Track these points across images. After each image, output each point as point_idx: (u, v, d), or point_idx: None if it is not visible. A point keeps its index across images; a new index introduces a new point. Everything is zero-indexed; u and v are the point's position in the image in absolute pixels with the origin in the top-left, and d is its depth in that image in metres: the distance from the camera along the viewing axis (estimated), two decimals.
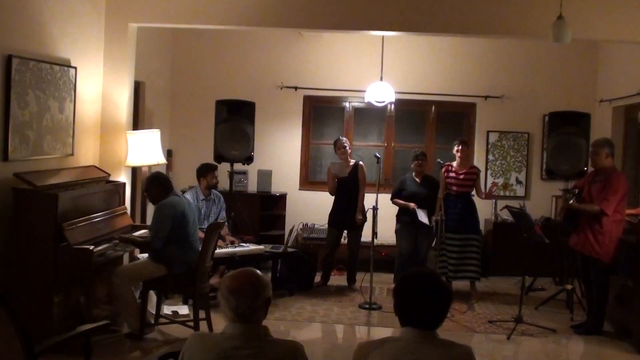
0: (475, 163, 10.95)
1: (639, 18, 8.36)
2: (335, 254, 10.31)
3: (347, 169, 10.06)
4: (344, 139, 10.29)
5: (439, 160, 9.88)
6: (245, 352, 3.40)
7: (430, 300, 3.38)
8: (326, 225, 10.32)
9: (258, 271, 3.63)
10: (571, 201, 8.21)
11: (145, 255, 7.79)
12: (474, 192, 9.96)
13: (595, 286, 8.25)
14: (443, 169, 9.87)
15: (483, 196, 10.04)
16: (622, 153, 10.59)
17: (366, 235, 9.89)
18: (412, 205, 9.70)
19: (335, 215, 10.14)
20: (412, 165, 10.05)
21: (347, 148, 10.10)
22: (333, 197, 10.19)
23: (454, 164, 9.93)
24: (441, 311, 3.41)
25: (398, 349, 3.32)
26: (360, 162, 10.19)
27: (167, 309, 8.29)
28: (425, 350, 3.30)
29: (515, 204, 10.26)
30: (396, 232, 10.07)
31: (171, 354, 4.11)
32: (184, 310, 8.44)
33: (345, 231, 10.27)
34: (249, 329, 3.47)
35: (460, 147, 9.87)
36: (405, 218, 9.90)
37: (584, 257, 8.34)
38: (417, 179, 9.96)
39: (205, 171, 9.41)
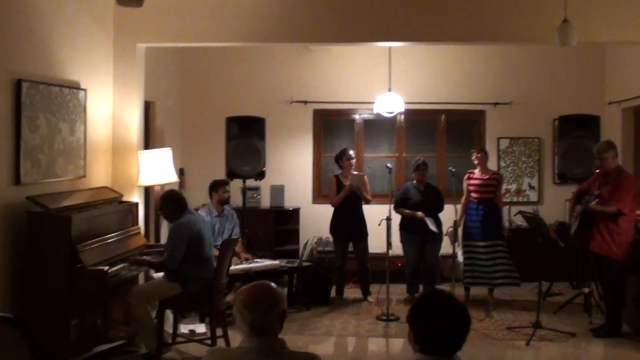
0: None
1: None
2: (347, 266, 10.27)
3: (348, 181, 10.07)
4: (351, 151, 10.31)
5: (450, 168, 9.88)
6: None
7: (447, 327, 3.21)
8: (332, 239, 10.33)
9: (272, 284, 3.62)
10: (592, 203, 8.19)
11: (161, 274, 7.78)
12: None
13: (611, 287, 8.23)
14: (465, 176, 9.96)
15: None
16: (633, 154, 10.56)
17: (380, 246, 9.86)
18: (419, 214, 9.69)
19: (339, 227, 10.11)
20: (414, 174, 10.05)
21: (354, 159, 10.14)
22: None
23: (476, 171, 9.95)
24: (459, 336, 3.23)
25: None
26: (364, 174, 10.24)
27: (184, 328, 8.28)
28: None
29: (528, 209, 10.26)
30: (402, 241, 10.06)
31: None
32: (201, 328, 8.43)
33: (351, 243, 10.23)
34: (265, 343, 3.45)
35: (476, 155, 9.90)
36: (409, 227, 9.89)
37: (598, 259, 8.32)
38: (420, 187, 9.96)
39: (216, 186, 9.43)
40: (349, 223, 10.03)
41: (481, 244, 9.76)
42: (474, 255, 9.80)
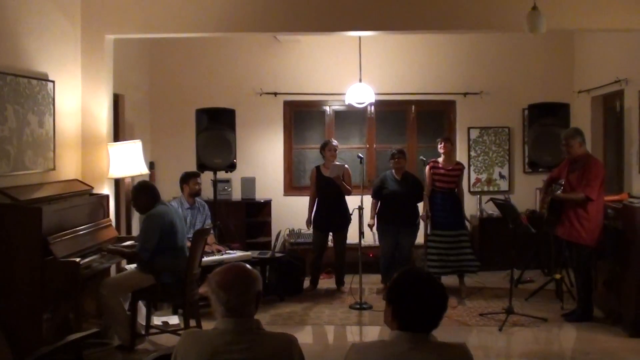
0: (458, 160, 10.88)
1: (613, 5, 8.40)
2: (323, 258, 10.28)
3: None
4: (335, 141, 10.30)
5: (421, 157, 9.92)
6: (238, 347, 3.37)
7: (425, 303, 3.26)
8: (312, 230, 10.30)
9: (247, 265, 3.61)
10: (558, 192, 8.27)
11: (133, 265, 7.74)
12: None
13: (579, 271, 8.32)
14: (429, 166, 9.92)
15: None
16: (602, 141, 10.65)
17: (351, 236, 9.88)
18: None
19: (320, 218, 10.09)
20: (390, 164, 10.05)
21: (337, 150, 10.15)
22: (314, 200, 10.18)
23: (440, 160, 9.95)
24: (436, 314, 3.28)
25: (390, 354, 3.22)
26: (346, 165, 10.21)
27: (157, 320, 8.25)
28: (418, 354, 3.20)
29: (499, 198, 10.30)
30: (377, 231, 10.06)
31: (163, 357, 4.08)
32: (174, 320, 8.40)
33: (331, 234, 10.24)
34: (241, 324, 3.45)
35: (443, 144, 9.89)
36: (386, 217, 9.91)
37: (570, 245, 8.39)
38: (397, 177, 9.94)
39: (187, 178, 9.37)
40: (331, 214, 10.04)
41: (446, 233, 9.79)
42: (439, 245, 9.80)
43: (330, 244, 10.34)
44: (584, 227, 8.09)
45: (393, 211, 9.81)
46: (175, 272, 7.25)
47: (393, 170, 9.97)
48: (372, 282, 10.23)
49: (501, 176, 11.94)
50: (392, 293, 3.34)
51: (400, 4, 8.57)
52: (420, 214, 9.78)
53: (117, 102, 9.70)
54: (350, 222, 10.07)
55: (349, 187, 10.07)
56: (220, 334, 3.43)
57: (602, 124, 10.80)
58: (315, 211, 10.11)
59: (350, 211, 9.44)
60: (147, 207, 7.39)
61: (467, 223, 10.26)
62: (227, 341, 3.39)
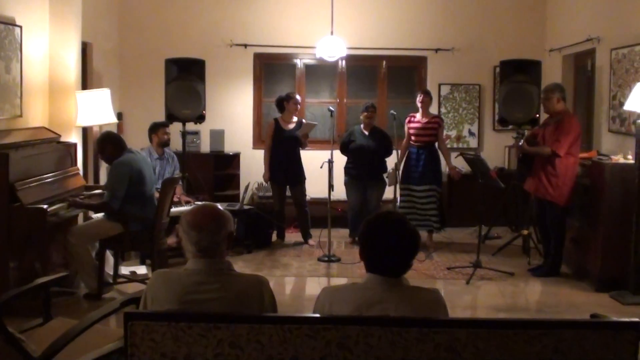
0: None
1: None
2: (288, 211, 10.28)
3: (291, 125, 10.01)
4: (298, 96, 10.23)
5: (392, 112, 9.88)
6: (209, 287, 3.37)
7: (396, 246, 3.27)
8: (270, 183, 10.28)
9: (219, 205, 3.59)
10: (521, 142, 8.30)
11: (100, 214, 7.67)
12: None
13: (551, 229, 8.37)
14: (407, 120, 9.96)
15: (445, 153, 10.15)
16: (572, 100, 10.67)
17: (322, 191, 9.86)
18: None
19: (277, 172, 10.02)
20: (361, 117, 10.03)
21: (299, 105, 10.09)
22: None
23: (417, 114, 9.93)
24: (407, 257, 3.30)
25: (363, 297, 3.24)
26: (304, 120, 10.18)
27: (124, 270, 8.22)
28: (392, 297, 3.22)
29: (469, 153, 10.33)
30: (345, 185, 10.08)
31: (133, 299, 4.06)
32: (141, 270, 8.37)
33: (289, 187, 10.23)
34: (212, 264, 3.43)
35: (422, 97, 9.86)
36: (352, 171, 9.93)
37: (539, 201, 8.45)
38: (366, 131, 9.95)
39: (155, 128, 9.30)
40: (285, 167, 9.98)
41: (418, 188, 9.81)
42: (411, 198, 9.86)
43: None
44: (552, 184, 8.14)
45: (361, 165, 9.85)
46: (143, 220, 7.22)
47: (362, 125, 9.96)
48: (341, 235, 10.28)
49: (470, 133, 11.95)
50: (364, 234, 3.36)
51: None
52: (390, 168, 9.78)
53: (86, 51, 9.56)
54: (305, 177, 10.11)
55: (307, 143, 10.09)
56: (191, 274, 3.41)
57: (573, 82, 10.82)
58: (272, 164, 10.05)
59: (321, 165, 9.41)
60: (113, 157, 7.30)
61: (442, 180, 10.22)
62: (198, 281, 3.38)
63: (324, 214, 9.55)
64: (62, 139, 8.16)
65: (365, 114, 9.91)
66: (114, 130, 9.60)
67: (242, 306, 3.36)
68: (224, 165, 11.54)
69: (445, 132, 11.30)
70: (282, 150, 9.98)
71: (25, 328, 4.63)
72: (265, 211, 10.15)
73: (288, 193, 10.23)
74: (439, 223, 9.93)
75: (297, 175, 10.06)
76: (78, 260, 7.20)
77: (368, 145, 9.85)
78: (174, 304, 3.32)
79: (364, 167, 9.85)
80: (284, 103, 10.04)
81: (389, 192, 10.00)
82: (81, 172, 8.35)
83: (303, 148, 10.07)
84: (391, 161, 9.77)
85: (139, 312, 3.42)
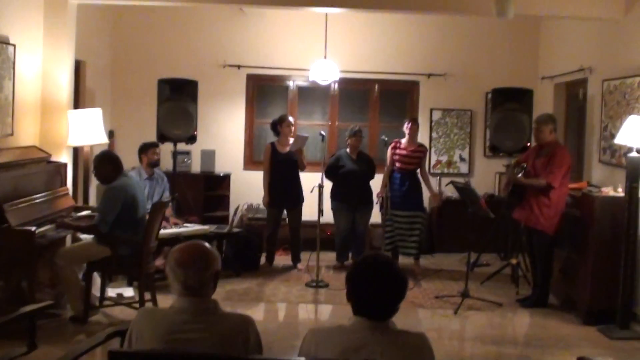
0: (421, 141, 10.87)
1: None
2: (279, 234, 10.23)
3: (287, 147, 9.96)
4: (291, 117, 10.22)
5: (383, 137, 9.91)
6: (194, 327, 3.34)
7: (383, 290, 3.25)
8: (263, 206, 10.26)
9: (206, 244, 3.57)
10: (519, 175, 8.31)
11: (89, 235, 7.64)
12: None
13: (539, 259, 8.39)
14: (391, 146, 9.95)
15: (428, 184, 10.17)
16: (563, 129, 10.69)
17: (311, 214, 9.84)
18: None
19: (274, 195, 9.97)
20: (348, 142, 10.07)
21: (294, 127, 10.07)
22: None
23: (403, 141, 9.96)
24: (394, 301, 3.28)
25: (350, 340, 3.21)
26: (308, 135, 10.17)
27: (111, 292, 8.16)
28: (378, 341, 3.19)
29: (460, 181, 10.35)
30: (333, 210, 10.06)
31: (119, 332, 4.04)
32: (129, 292, 8.33)
33: (285, 210, 10.19)
34: (199, 303, 3.42)
35: (410, 125, 9.90)
36: (340, 196, 9.94)
37: (528, 230, 8.45)
38: (353, 156, 9.98)
39: (145, 149, 9.26)
40: (285, 190, 9.95)
41: (403, 213, 9.82)
42: (395, 224, 9.87)
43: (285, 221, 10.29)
44: (544, 214, 8.14)
45: (349, 190, 9.88)
46: (132, 244, 7.18)
47: (348, 149, 10.01)
48: (329, 259, 10.25)
49: (461, 159, 11.96)
50: (351, 277, 3.34)
51: None
52: (377, 193, 9.78)
53: (79, 69, 9.56)
54: (302, 201, 10.06)
55: (305, 163, 10.02)
56: (177, 313, 3.39)
57: (564, 111, 10.84)
58: (270, 188, 10.02)
59: (310, 189, 9.41)
60: (110, 178, 7.27)
61: (425, 206, 10.25)
62: (184, 320, 3.35)
63: (311, 236, 9.54)
64: (53, 159, 8.14)
65: (354, 138, 9.95)
66: (106, 148, 9.58)
67: (227, 347, 3.33)
68: (215, 186, 11.51)
69: (436, 158, 11.33)
70: (280, 174, 9.96)
71: (9, 357, 4.60)
72: (255, 233, 10.12)
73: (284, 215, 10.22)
74: (418, 249, 9.95)
75: (295, 198, 10.03)
76: (65, 283, 7.15)
77: (357, 169, 9.90)
78: (159, 343, 3.29)
79: (354, 191, 9.87)
80: (277, 127, 10.02)
81: (376, 217, 10.03)
82: (71, 193, 8.33)
83: (302, 170, 10.03)
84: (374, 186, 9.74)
85: (123, 351, 3.39)
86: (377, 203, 9.79)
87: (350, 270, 3.36)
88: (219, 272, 3.51)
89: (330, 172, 9.81)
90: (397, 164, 9.91)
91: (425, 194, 10.30)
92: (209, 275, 3.43)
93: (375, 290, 3.25)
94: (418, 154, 9.92)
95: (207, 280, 3.43)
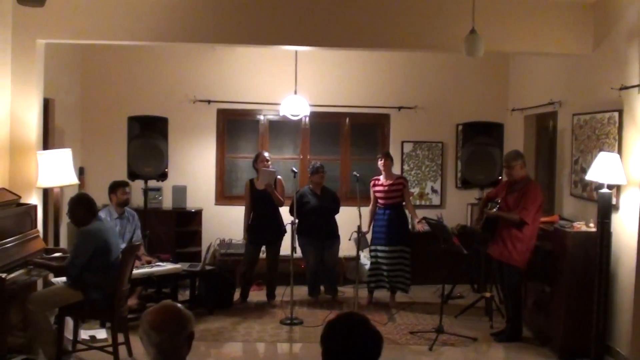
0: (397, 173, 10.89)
1: (547, 30, 8.59)
2: (254, 271, 10.18)
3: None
4: (266, 152, 10.22)
5: (354, 173, 9.91)
6: None
7: (358, 349, 3.19)
8: (243, 241, 10.21)
9: (179, 305, 3.53)
10: (495, 209, 8.37)
11: (60, 279, 7.56)
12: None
13: (508, 292, 8.42)
14: (371, 184, 10.11)
15: (414, 216, 10.20)
16: (534, 161, 10.75)
17: (284, 249, 9.83)
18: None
19: (253, 232, 9.98)
20: (312, 179, 10.15)
21: (269, 162, 10.04)
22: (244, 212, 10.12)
23: (381, 177, 10.02)
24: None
25: None
26: (279, 177, 10.13)
27: (84, 334, 8.06)
28: None
29: (431, 213, 10.45)
30: (300, 246, 10.01)
31: None
32: (101, 334, 8.23)
33: (265, 246, 10.17)
34: None
35: (383, 161, 9.96)
36: (307, 231, 9.92)
37: (500, 264, 8.48)
38: (316, 191, 10.05)
39: (115, 188, 9.19)
40: (264, 226, 9.96)
41: (386, 248, 9.86)
42: (378, 259, 9.90)
43: (262, 254, 10.24)
44: (516, 249, 8.19)
45: (315, 225, 9.95)
46: (103, 288, 7.09)
47: (310, 186, 10.11)
48: (303, 294, 10.21)
49: (433, 190, 11.99)
50: (325, 337, 3.26)
51: (337, 22, 8.56)
52: (364, 229, 9.78)
53: (47, 107, 9.45)
54: (284, 234, 10.03)
55: (280, 198, 9.99)
56: None
57: (534, 142, 10.91)
58: (249, 224, 10.01)
59: (285, 225, 9.41)
60: (83, 221, 7.19)
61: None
62: None
63: (286, 271, 9.50)
64: (23, 200, 8.04)
65: (317, 175, 10.08)
66: (76, 187, 9.51)
67: None
68: (186, 222, 11.45)
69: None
70: (258, 211, 9.99)
71: None
72: (228, 270, 10.08)
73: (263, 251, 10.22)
74: (408, 285, 10.01)
75: (274, 234, 10.05)
76: (36, 328, 7.04)
77: (322, 205, 10.03)
78: None
79: (319, 226, 9.98)
80: (254, 164, 10.06)
81: (350, 250, 10.02)
82: (41, 235, 8.23)
83: (279, 205, 10.04)
84: (352, 223, 9.69)
85: None
86: (350, 239, 9.72)
87: (325, 332, 3.28)
88: (193, 333, 3.47)
89: (295, 210, 9.74)
90: (380, 201, 9.99)
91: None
92: (183, 338, 3.40)
93: (350, 351, 3.19)
94: (397, 186, 9.96)
95: (182, 343, 3.40)
